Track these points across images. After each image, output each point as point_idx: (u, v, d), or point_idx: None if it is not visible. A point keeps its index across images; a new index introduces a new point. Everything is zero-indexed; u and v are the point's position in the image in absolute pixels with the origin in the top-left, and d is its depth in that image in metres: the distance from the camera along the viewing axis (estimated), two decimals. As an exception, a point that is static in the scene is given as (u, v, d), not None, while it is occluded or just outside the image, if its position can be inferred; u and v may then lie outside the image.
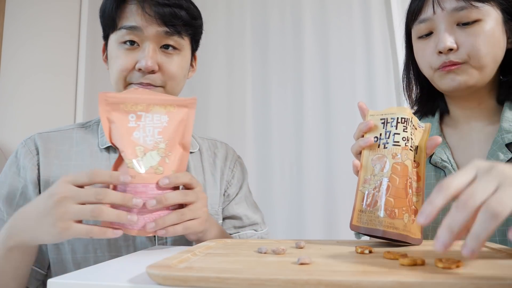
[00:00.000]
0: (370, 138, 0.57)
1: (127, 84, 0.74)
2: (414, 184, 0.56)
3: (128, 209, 0.55)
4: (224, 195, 0.87)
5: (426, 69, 0.74)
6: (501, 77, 0.75)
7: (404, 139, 0.56)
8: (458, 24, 0.68)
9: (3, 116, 1.55)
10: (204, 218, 0.62)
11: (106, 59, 0.81)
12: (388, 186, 0.53)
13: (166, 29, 0.72)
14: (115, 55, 0.74)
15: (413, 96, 0.84)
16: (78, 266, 0.70)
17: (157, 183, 0.57)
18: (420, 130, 0.60)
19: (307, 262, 0.38)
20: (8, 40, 1.62)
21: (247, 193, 0.91)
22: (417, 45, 0.75)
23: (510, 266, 0.37)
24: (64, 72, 1.73)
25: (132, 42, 0.72)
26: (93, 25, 1.78)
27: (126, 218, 0.53)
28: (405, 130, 0.56)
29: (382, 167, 0.55)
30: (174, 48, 0.75)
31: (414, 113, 0.85)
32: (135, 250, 0.72)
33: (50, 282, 0.36)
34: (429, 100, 0.82)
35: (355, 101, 1.64)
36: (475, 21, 0.67)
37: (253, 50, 1.79)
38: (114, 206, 0.54)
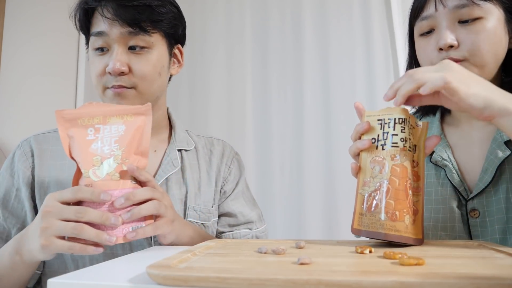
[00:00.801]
0: (367, 140, 0.57)
1: (104, 88, 0.75)
2: (414, 184, 0.56)
3: (105, 226, 0.56)
4: (220, 192, 0.87)
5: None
6: (503, 77, 0.75)
7: (402, 140, 0.55)
8: (459, 22, 0.68)
9: (3, 117, 1.55)
10: (170, 218, 0.63)
11: None
12: (388, 189, 0.53)
13: (129, 29, 0.71)
14: (91, 61, 0.76)
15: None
16: (76, 262, 0.71)
17: (116, 189, 0.58)
18: (418, 129, 0.60)
19: (307, 262, 0.38)
20: (8, 40, 1.62)
21: (244, 189, 0.91)
22: (418, 42, 0.75)
23: (510, 266, 0.37)
24: (64, 72, 1.73)
25: (102, 48, 0.73)
26: (93, 25, 1.78)
27: (105, 238, 0.54)
28: (403, 130, 0.56)
29: (381, 169, 0.55)
30: (143, 47, 0.74)
31: (415, 113, 0.85)
32: (131, 248, 0.72)
33: (50, 282, 0.36)
34: None
35: (355, 100, 1.64)
36: (477, 19, 0.67)
37: (253, 50, 1.79)
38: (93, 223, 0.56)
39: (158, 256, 0.48)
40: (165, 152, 0.83)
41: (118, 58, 0.71)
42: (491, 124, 0.73)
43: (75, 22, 0.77)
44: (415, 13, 0.74)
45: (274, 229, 1.63)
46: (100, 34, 0.72)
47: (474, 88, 0.52)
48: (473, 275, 0.32)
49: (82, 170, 0.58)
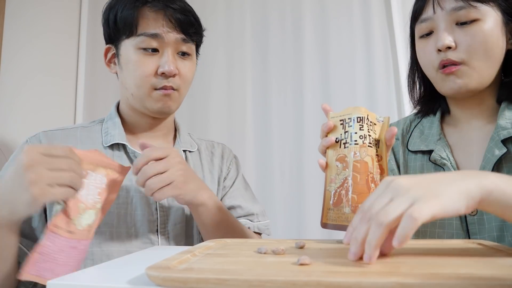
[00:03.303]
0: (331, 138, 0.61)
1: (151, 89, 0.76)
2: (378, 177, 0.59)
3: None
4: (221, 189, 0.91)
5: (428, 68, 0.75)
6: (502, 77, 0.75)
7: (361, 137, 0.59)
8: (457, 24, 0.69)
9: (3, 117, 1.55)
10: (178, 181, 0.66)
11: (109, 63, 0.83)
12: (350, 184, 0.57)
13: (183, 36, 0.77)
14: (133, 60, 0.76)
15: (416, 96, 0.85)
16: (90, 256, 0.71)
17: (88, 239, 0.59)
18: (379, 125, 0.63)
19: (306, 263, 0.38)
20: (8, 41, 1.61)
21: (241, 187, 0.94)
22: (418, 44, 0.76)
23: (510, 266, 0.37)
24: (64, 73, 1.72)
25: (154, 49, 0.76)
26: (93, 26, 1.77)
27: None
28: (361, 128, 0.59)
29: (345, 166, 0.59)
30: (188, 54, 0.80)
31: (417, 113, 0.86)
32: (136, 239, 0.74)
33: (50, 284, 0.36)
34: (431, 101, 0.83)
35: (355, 101, 1.64)
36: (474, 21, 0.68)
37: (253, 51, 1.78)
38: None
39: (158, 256, 0.48)
40: None
41: (173, 61, 0.76)
42: (489, 124, 0.74)
43: (114, 18, 0.76)
44: (415, 16, 0.76)
45: (275, 229, 1.63)
46: (155, 36, 0.75)
47: (444, 193, 0.39)
48: (474, 276, 0.32)
49: (71, 214, 0.56)
